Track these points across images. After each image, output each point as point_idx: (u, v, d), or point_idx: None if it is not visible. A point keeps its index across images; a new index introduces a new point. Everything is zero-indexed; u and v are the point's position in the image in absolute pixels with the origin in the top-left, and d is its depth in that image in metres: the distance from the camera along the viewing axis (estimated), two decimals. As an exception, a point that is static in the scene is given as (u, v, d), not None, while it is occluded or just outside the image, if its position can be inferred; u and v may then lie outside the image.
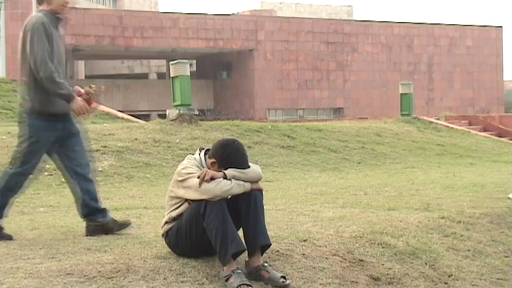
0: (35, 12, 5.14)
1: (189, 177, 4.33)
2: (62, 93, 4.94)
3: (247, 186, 4.35)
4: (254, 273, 4.30)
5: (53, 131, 5.04)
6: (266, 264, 4.35)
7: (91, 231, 5.17)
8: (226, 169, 4.33)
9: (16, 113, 6.09)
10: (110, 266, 4.17)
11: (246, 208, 4.36)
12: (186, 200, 4.39)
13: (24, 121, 5.05)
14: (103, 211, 5.24)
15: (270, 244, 4.46)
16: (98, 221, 5.18)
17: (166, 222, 4.52)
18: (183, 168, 4.41)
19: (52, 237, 5.10)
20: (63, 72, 5.08)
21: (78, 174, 5.14)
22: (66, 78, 5.14)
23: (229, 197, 4.31)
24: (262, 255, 4.41)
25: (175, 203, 4.46)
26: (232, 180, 4.30)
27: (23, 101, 5.03)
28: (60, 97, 4.97)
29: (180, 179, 4.39)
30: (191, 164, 4.45)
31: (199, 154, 4.52)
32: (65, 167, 5.19)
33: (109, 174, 9.59)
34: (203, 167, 4.41)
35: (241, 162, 4.37)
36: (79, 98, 4.98)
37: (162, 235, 4.56)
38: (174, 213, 4.46)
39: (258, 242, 4.35)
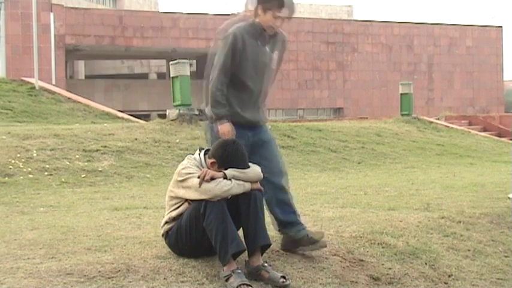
0: (240, 23, 4.90)
1: (189, 177, 4.34)
2: (214, 112, 4.72)
3: (247, 186, 4.35)
4: (254, 273, 4.30)
5: (242, 138, 4.71)
6: (266, 264, 4.36)
7: (283, 245, 4.85)
8: (226, 169, 4.33)
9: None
10: (110, 266, 4.17)
11: (246, 208, 4.36)
12: (186, 200, 4.39)
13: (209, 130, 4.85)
14: (297, 225, 4.84)
15: (270, 244, 4.46)
16: (289, 234, 4.80)
17: (166, 222, 4.52)
18: (183, 168, 4.41)
19: (52, 237, 5.09)
20: (256, 89, 4.89)
21: (269, 183, 4.76)
22: (260, 95, 4.95)
23: (229, 197, 4.31)
24: (262, 255, 4.41)
25: (175, 203, 4.46)
26: (232, 180, 4.30)
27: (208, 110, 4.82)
28: (212, 112, 4.75)
29: (180, 179, 4.39)
30: (191, 164, 4.45)
31: (199, 154, 4.52)
32: None
33: (109, 174, 9.58)
34: (203, 167, 4.41)
35: (241, 163, 4.37)
36: (228, 123, 4.72)
37: (162, 235, 4.56)
38: (174, 213, 4.46)
39: (258, 242, 4.35)
